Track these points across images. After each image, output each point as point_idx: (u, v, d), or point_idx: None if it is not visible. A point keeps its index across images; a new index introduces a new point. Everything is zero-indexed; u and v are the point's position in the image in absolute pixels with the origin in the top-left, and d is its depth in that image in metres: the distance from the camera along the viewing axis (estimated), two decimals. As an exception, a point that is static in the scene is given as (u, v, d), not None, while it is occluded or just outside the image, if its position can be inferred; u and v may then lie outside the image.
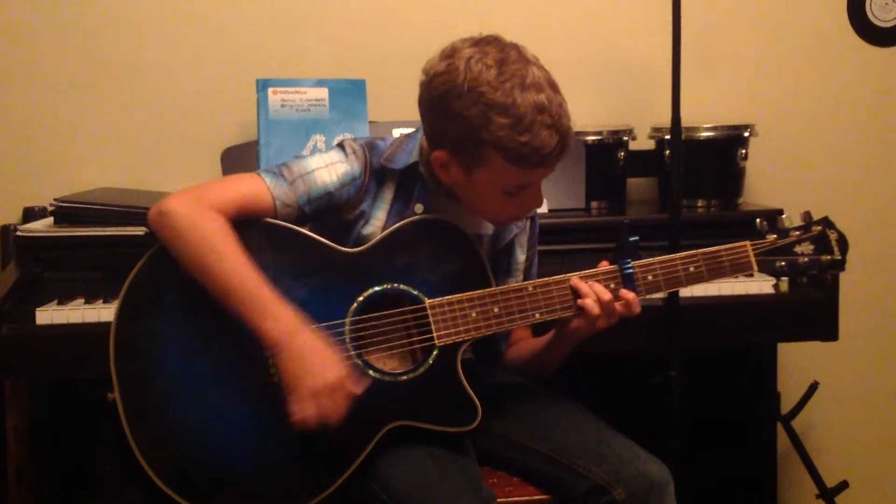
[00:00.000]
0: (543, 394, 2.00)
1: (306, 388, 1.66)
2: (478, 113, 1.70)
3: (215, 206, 1.73)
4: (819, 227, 1.89)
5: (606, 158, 2.64)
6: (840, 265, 1.89)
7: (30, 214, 2.62)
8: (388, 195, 1.90)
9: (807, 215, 1.91)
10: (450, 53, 1.76)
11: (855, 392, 3.06)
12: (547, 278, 1.86)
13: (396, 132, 2.40)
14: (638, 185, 2.88)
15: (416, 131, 1.91)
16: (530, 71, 1.72)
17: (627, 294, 1.85)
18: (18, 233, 2.32)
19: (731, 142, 2.65)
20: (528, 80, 1.71)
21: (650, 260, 1.88)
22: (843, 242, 1.89)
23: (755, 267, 1.88)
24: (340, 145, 1.90)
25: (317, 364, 1.67)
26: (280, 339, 1.67)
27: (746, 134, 2.65)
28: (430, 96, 1.77)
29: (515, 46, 1.76)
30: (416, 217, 1.85)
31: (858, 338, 2.97)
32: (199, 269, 1.71)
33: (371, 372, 1.79)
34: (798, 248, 1.88)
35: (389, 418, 1.79)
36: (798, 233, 1.89)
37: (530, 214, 2.05)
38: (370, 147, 1.90)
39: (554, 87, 1.75)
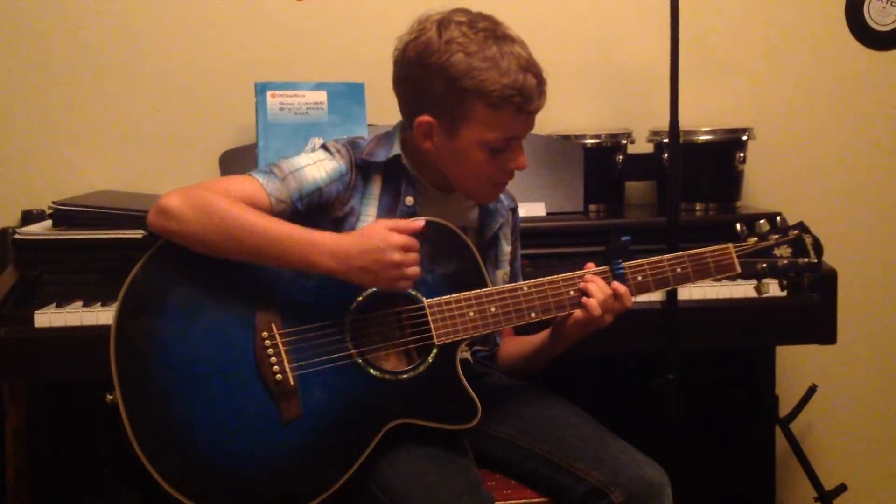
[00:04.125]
0: (542, 396, 2.01)
1: (391, 279, 1.75)
2: (458, 61, 1.77)
3: (211, 190, 1.76)
4: (795, 232, 1.96)
5: (605, 162, 2.64)
6: (816, 268, 1.96)
7: (28, 217, 2.61)
8: (375, 190, 1.92)
9: (783, 221, 1.98)
10: (418, 24, 1.84)
11: (853, 395, 3.06)
12: (541, 279, 1.88)
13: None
14: (636, 189, 2.88)
15: (395, 126, 1.95)
16: (499, 26, 1.82)
17: (619, 287, 1.88)
18: (17, 236, 2.32)
19: (730, 145, 2.65)
20: (499, 32, 1.81)
21: (640, 261, 1.91)
22: (818, 246, 1.96)
23: (738, 268, 1.94)
24: (324, 146, 1.94)
25: (379, 258, 1.72)
26: (338, 266, 1.73)
27: (744, 137, 2.66)
28: (407, 62, 1.84)
29: (481, 13, 1.85)
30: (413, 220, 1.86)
31: (856, 341, 2.98)
32: (222, 242, 1.73)
33: (373, 371, 1.80)
34: (777, 252, 1.95)
35: (391, 417, 1.79)
36: (776, 236, 1.96)
37: (512, 206, 2.09)
38: (352, 145, 1.93)
39: (522, 41, 1.84)
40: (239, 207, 1.74)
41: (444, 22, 1.81)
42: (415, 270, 1.76)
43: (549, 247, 2.41)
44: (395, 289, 1.77)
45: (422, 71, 1.81)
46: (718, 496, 2.71)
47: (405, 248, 1.74)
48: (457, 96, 1.78)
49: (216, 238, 1.73)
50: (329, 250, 1.73)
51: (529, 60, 1.80)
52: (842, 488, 2.78)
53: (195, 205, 1.72)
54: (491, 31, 1.80)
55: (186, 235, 1.73)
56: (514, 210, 2.11)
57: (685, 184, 2.49)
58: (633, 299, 1.90)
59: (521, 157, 1.86)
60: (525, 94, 1.78)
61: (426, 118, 1.83)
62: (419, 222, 1.79)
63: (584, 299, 1.86)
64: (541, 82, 1.82)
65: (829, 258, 2.10)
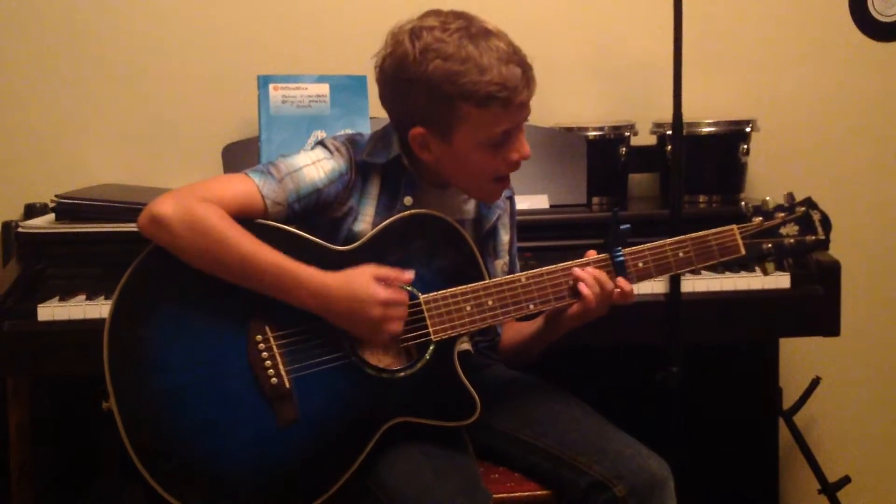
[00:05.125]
0: (544, 389, 2.00)
1: (368, 332, 1.75)
2: (436, 69, 1.74)
3: (206, 200, 1.73)
4: (803, 208, 1.92)
5: (608, 154, 2.64)
6: (824, 244, 1.92)
7: (31, 211, 2.62)
8: (373, 190, 1.90)
9: (790, 197, 1.93)
10: (392, 37, 1.82)
11: (857, 387, 3.06)
12: (539, 269, 1.86)
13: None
14: (639, 181, 2.88)
15: (392, 125, 1.92)
16: (473, 23, 1.78)
17: (623, 283, 1.86)
18: (20, 229, 2.32)
19: (733, 137, 2.64)
20: (473, 29, 1.77)
21: (640, 247, 1.89)
22: (826, 222, 1.92)
23: (742, 250, 1.90)
24: (322, 144, 1.91)
25: (357, 309, 1.72)
26: (317, 306, 1.73)
27: (748, 129, 2.65)
28: (386, 78, 1.83)
29: (454, 10, 1.82)
30: (407, 213, 1.85)
31: (860, 333, 2.97)
32: (209, 261, 1.71)
33: (369, 370, 1.79)
34: (783, 230, 1.91)
35: (389, 416, 1.79)
36: (783, 214, 1.91)
37: (509, 195, 2.07)
38: (352, 143, 1.91)
39: (500, 32, 1.80)
40: (231, 229, 1.71)
41: (415, 31, 1.78)
42: (395, 328, 1.75)
43: (552, 239, 2.41)
44: (373, 342, 1.77)
45: (403, 86, 1.79)
46: (722, 489, 2.71)
47: (388, 303, 1.73)
48: (442, 103, 1.76)
49: (204, 257, 1.71)
50: (311, 290, 1.72)
51: (510, 51, 1.76)
52: (845, 480, 2.78)
53: (188, 220, 1.69)
54: (465, 29, 1.76)
55: (176, 249, 1.71)
56: (511, 198, 2.09)
57: (688, 176, 2.49)
58: (635, 288, 1.88)
59: (522, 146, 1.83)
60: (510, 87, 1.75)
61: (418, 130, 1.81)
62: (408, 275, 1.77)
63: (580, 285, 1.84)
64: (526, 71, 1.78)
65: (832, 250, 2.09)
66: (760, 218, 1.91)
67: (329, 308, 1.73)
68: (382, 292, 1.72)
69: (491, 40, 1.76)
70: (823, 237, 1.91)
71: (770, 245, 1.91)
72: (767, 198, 1.93)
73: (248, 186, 1.79)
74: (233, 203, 1.75)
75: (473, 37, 1.75)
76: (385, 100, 1.86)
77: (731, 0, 2.90)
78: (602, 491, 1.77)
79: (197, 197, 1.72)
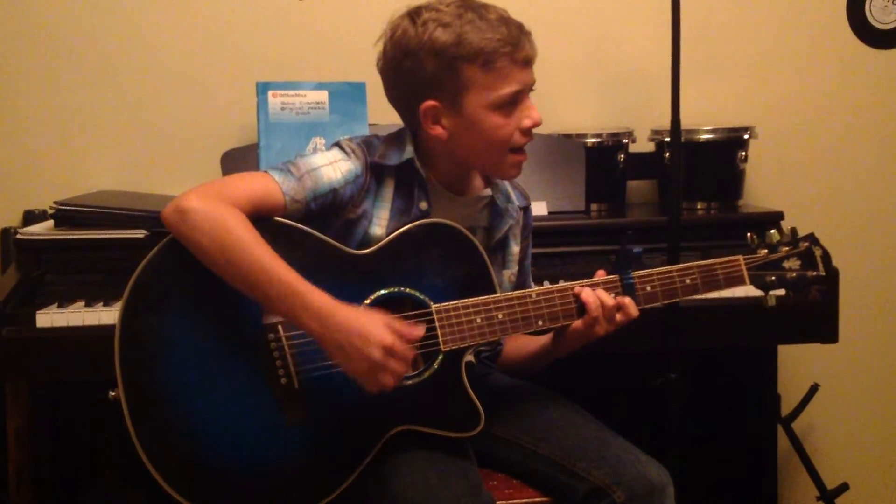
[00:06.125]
0: (544, 396, 2.00)
1: (360, 372, 1.69)
2: (438, 36, 1.78)
3: (232, 201, 1.73)
4: (806, 244, 1.95)
5: (606, 161, 2.64)
6: (824, 281, 1.96)
7: (30, 217, 2.62)
8: (388, 193, 1.90)
9: (793, 231, 1.97)
10: (390, 25, 1.87)
11: (855, 394, 3.06)
12: (550, 286, 1.86)
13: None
14: (638, 188, 2.88)
15: (404, 128, 1.93)
16: None
17: (624, 299, 1.86)
18: (19, 236, 2.32)
19: (731, 144, 2.65)
20: (469, 1, 1.82)
21: (649, 271, 1.89)
22: (826, 259, 1.95)
23: (748, 281, 1.93)
24: (338, 145, 1.92)
25: (358, 345, 1.67)
26: (318, 329, 1.68)
27: (746, 136, 2.66)
28: (392, 60, 1.85)
29: None
30: (425, 221, 1.85)
31: (858, 340, 2.98)
32: (223, 263, 1.70)
33: None
34: (786, 264, 1.95)
35: (394, 423, 1.79)
36: (787, 248, 1.95)
37: (524, 205, 2.06)
38: (367, 145, 1.91)
39: (497, 6, 1.84)
40: (251, 236, 1.70)
41: (413, 11, 1.83)
42: (388, 380, 1.68)
43: (550, 246, 2.41)
44: (359, 383, 1.71)
45: (409, 61, 1.81)
46: (721, 495, 2.71)
47: (392, 352, 1.68)
48: (449, 69, 1.79)
49: (217, 256, 1.70)
50: (316, 311, 1.68)
51: (506, 15, 1.82)
52: (844, 487, 2.78)
53: (212, 217, 1.70)
54: (461, 2, 1.81)
55: (193, 244, 1.71)
56: (526, 209, 2.08)
57: (687, 183, 2.49)
58: (639, 308, 1.89)
59: (532, 111, 1.85)
60: (512, 42, 1.79)
61: (429, 103, 1.82)
62: (419, 331, 1.74)
63: (587, 305, 1.84)
64: (524, 31, 1.83)
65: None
66: (766, 250, 1.94)
67: (329, 333, 1.68)
68: (390, 338, 1.67)
69: (488, 8, 1.82)
70: (824, 273, 1.95)
71: (773, 278, 1.94)
72: (772, 231, 1.96)
73: (269, 183, 1.80)
74: (255, 199, 1.77)
75: (470, 7, 1.81)
76: (391, 86, 1.88)
77: (728, 7, 2.90)
78: (601, 497, 1.77)
79: (223, 196, 1.73)
